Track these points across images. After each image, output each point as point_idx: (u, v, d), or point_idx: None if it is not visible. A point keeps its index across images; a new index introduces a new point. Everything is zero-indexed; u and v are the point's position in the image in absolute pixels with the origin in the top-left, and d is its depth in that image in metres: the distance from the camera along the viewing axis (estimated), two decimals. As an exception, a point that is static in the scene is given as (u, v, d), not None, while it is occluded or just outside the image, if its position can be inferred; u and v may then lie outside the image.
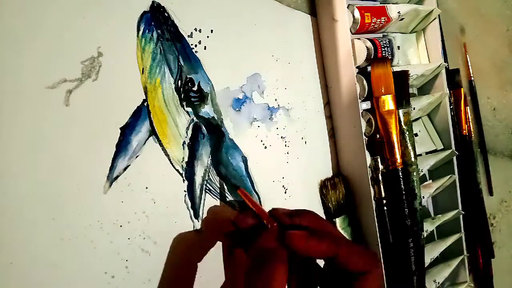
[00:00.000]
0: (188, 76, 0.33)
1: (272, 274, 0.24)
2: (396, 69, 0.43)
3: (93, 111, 0.28)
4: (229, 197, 0.36)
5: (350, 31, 0.42)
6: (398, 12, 0.44)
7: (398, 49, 0.47)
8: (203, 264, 0.33)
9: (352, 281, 0.26)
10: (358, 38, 0.43)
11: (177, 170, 0.32)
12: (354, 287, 0.26)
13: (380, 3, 0.44)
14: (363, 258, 0.26)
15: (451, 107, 0.54)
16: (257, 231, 0.28)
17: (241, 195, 0.33)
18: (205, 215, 0.34)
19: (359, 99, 0.41)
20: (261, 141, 0.38)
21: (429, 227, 0.47)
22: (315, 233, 0.26)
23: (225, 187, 0.35)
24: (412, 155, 0.43)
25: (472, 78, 0.62)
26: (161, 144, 0.32)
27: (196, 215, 0.33)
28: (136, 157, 0.30)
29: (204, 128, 0.34)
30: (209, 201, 0.34)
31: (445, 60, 0.54)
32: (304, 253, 0.26)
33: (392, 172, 0.42)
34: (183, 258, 0.32)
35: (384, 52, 0.43)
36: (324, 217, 0.43)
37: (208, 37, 0.35)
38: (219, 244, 0.34)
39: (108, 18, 0.29)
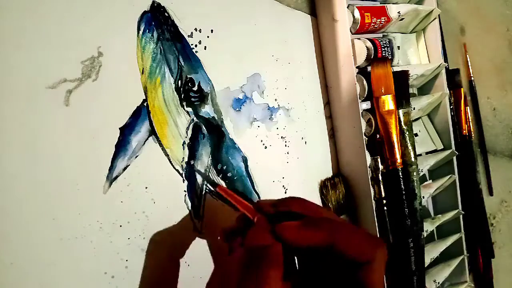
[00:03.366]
0: (188, 76, 0.33)
1: (265, 279, 0.22)
2: (396, 69, 0.43)
3: (93, 111, 0.28)
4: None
5: (350, 31, 0.42)
6: (398, 12, 0.44)
7: (398, 49, 0.47)
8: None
9: (355, 269, 0.23)
10: (358, 38, 0.42)
11: (177, 170, 0.32)
12: (357, 278, 0.23)
13: (380, 3, 0.44)
14: (364, 244, 0.23)
15: (451, 107, 0.54)
16: (248, 227, 0.26)
17: (222, 193, 0.31)
18: (205, 215, 0.34)
19: (359, 99, 0.41)
20: (261, 141, 0.38)
21: (429, 227, 0.47)
22: (308, 221, 0.24)
23: (225, 186, 0.35)
24: (412, 155, 0.43)
25: (472, 78, 0.61)
26: (161, 144, 0.32)
27: (196, 215, 0.33)
28: (136, 157, 0.30)
29: (204, 128, 0.34)
30: (209, 201, 0.34)
31: (445, 60, 0.54)
32: (297, 245, 0.23)
33: (392, 172, 0.42)
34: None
35: (384, 52, 0.43)
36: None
37: (208, 37, 0.35)
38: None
39: (108, 18, 0.29)
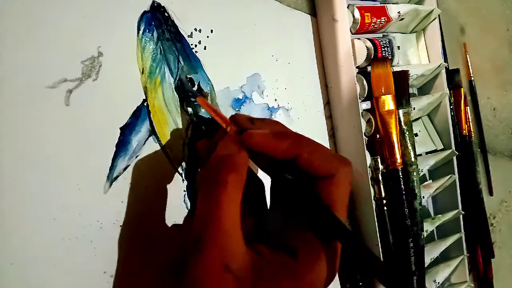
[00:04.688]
0: (188, 76, 0.34)
1: (223, 183, 0.21)
2: (396, 69, 0.43)
3: (93, 111, 0.28)
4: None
5: (350, 31, 0.42)
6: (398, 12, 0.44)
7: (398, 49, 0.47)
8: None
9: (318, 184, 0.23)
10: (358, 38, 0.43)
11: (177, 170, 0.32)
12: (317, 189, 0.23)
13: (380, 3, 0.44)
14: (329, 158, 0.23)
15: (451, 107, 0.54)
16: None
17: (200, 103, 0.30)
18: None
19: (359, 99, 0.41)
20: (261, 141, 0.38)
21: (429, 227, 0.47)
22: (276, 132, 0.24)
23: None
24: (412, 155, 0.43)
25: (472, 78, 0.61)
26: (161, 144, 0.32)
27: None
28: (136, 157, 0.30)
29: (204, 128, 0.34)
30: (209, 201, 0.34)
31: (445, 60, 0.54)
32: (263, 151, 0.23)
33: (392, 172, 0.42)
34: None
35: (384, 52, 0.43)
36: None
37: (208, 37, 0.35)
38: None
39: (108, 18, 0.29)
